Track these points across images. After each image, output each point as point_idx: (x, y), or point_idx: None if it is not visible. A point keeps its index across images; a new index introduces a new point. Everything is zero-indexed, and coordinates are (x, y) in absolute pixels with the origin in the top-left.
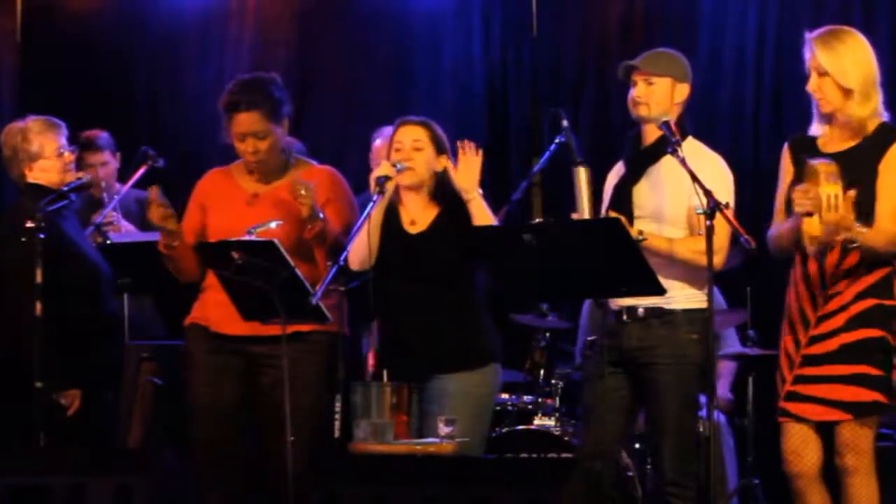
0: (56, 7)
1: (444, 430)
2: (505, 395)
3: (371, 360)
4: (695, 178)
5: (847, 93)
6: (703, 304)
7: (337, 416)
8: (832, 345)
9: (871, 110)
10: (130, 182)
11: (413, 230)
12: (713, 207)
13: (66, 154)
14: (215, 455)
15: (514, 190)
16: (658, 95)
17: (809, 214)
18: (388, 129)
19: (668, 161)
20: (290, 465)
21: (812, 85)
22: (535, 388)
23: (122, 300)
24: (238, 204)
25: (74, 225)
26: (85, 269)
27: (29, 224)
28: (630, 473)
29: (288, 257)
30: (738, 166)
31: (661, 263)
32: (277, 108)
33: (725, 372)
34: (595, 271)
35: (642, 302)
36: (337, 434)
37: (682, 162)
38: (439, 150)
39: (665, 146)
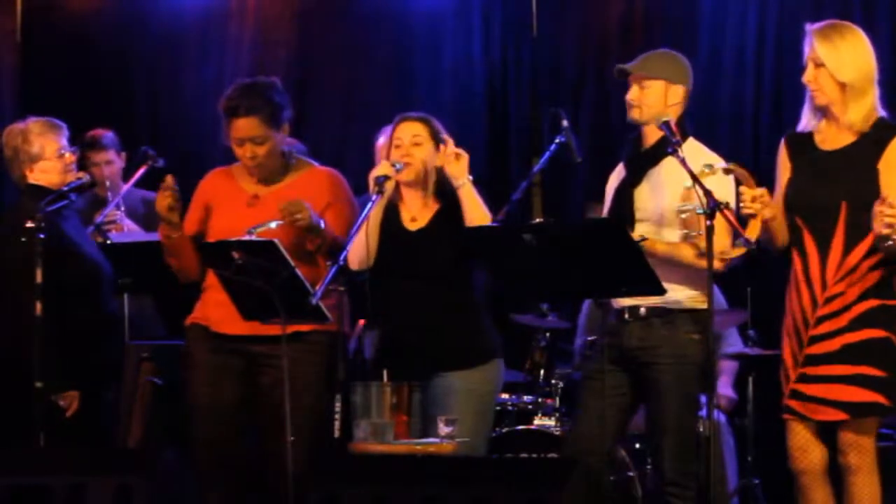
0: (56, 7)
1: (444, 430)
2: (505, 395)
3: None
4: (695, 179)
5: (841, 86)
6: (704, 304)
7: (337, 416)
8: (834, 345)
9: (865, 107)
10: (131, 182)
11: (413, 227)
12: (713, 207)
13: (67, 155)
14: (215, 455)
15: (514, 190)
16: (650, 98)
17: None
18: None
19: (668, 163)
20: (290, 465)
21: (808, 75)
22: (535, 388)
23: (122, 300)
24: (238, 205)
25: (76, 225)
26: (85, 270)
27: (29, 224)
28: (630, 473)
29: (288, 257)
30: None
31: (662, 263)
32: (277, 113)
33: (727, 370)
34: (595, 271)
35: (644, 301)
36: (337, 434)
37: (683, 162)
38: (439, 144)
39: (666, 147)
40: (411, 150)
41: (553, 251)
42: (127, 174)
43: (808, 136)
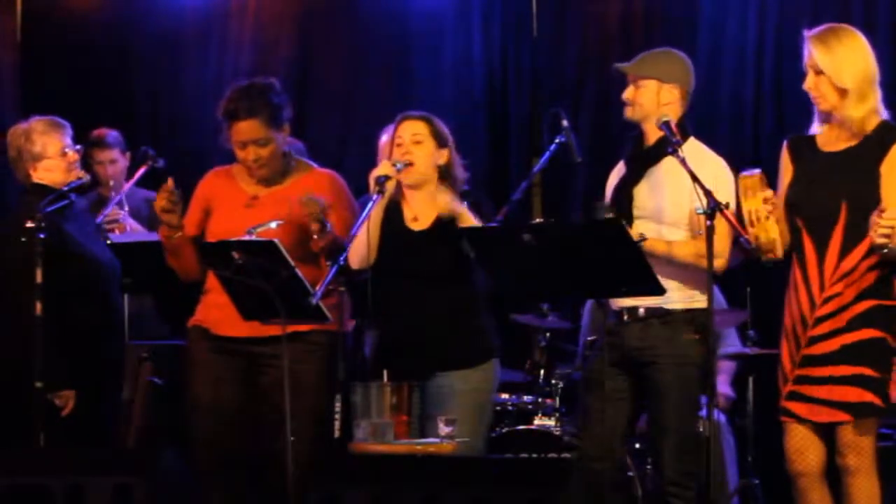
0: (56, 7)
1: (444, 430)
2: (505, 395)
3: None
4: (695, 178)
5: (842, 92)
6: (704, 304)
7: (337, 416)
8: (833, 345)
9: (866, 110)
10: (131, 182)
11: (415, 227)
12: (713, 207)
13: (70, 154)
14: (215, 455)
15: (514, 190)
16: (643, 97)
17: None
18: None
19: (668, 162)
20: (290, 465)
21: (808, 83)
22: (535, 388)
23: (123, 300)
24: (237, 206)
25: (79, 224)
26: (85, 269)
27: (29, 224)
28: (630, 473)
29: (288, 257)
30: (738, 166)
31: (661, 264)
32: (277, 114)
33: (725, 369)
34: (595, 271)
35: (643, 302)
36: (337, 434)
37: (683, 162)
38: (440, 143)
39: (666, 146)
40: (411, 148)
41: (553, 251)
42: (128, 174)
43: (811, 139)
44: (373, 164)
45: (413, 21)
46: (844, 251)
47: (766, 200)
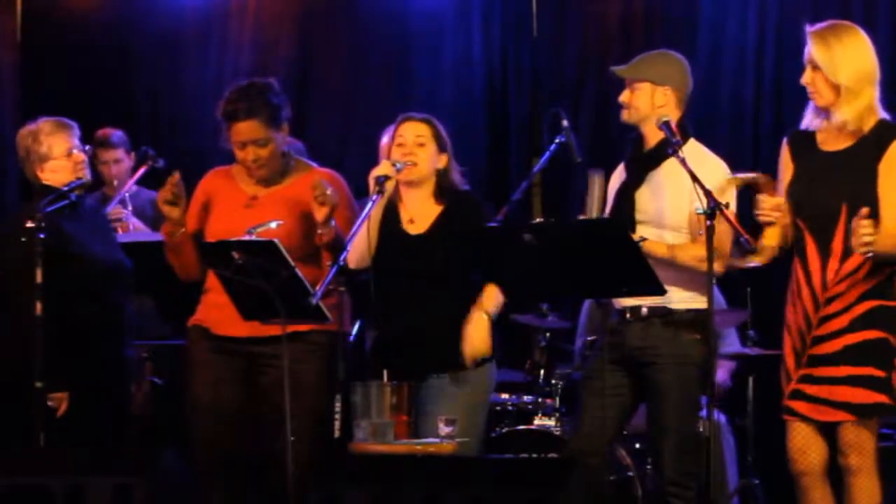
0: (56, 7)
1: (444, 430)
2: (505, 395)
3: None
4: (695, 179)
5: (836, 88)
6: (704, 305)
7: (337, 416)
8: (836, 345)
9: (858, 107)
10: (131, 181)
11: (412, 230)
12: (713, 207)
13: (76, 154)
14: (215, 455)
15: (514, 190)
16: (638, 100)
17: (771, 224)
18: None
19: (669, 165)
20: (290, 465)
21: (806, 78)
22: (535, 388)
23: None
24: (236, 206)
25: (82, 224)
26: (85, 269)
27: (29, 224)
28: (630, 473)
29: (288, 257)
30: (738, 166)
31: (662, 264)
32: (276, 114)
33: (726, 364)
34: (595, 271)
35: (645, 301)
36: (337, 434)
37: (683, 162)
38: (441, 147)
39: (666, 148)
40: (415, 149)
41: (553, 251)
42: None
43: (811, 136)
44: (373, 164)
45: (413, 21)
46: (847, 252)
47: (777, 207)
